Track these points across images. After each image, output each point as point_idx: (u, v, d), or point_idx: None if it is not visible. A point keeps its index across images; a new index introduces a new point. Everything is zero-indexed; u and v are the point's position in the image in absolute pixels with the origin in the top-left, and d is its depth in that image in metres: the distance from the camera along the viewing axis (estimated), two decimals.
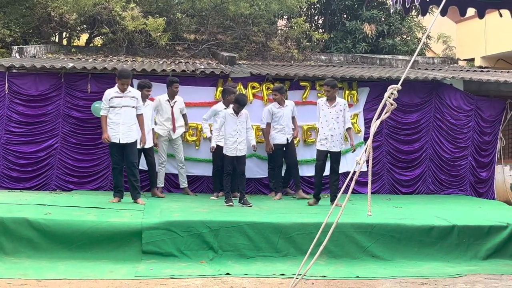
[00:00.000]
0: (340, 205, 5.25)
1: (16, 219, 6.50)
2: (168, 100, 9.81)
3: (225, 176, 8.95)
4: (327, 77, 10.93)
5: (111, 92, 8.42)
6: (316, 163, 9.13)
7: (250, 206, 8.51)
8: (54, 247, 6.39)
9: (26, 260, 6.21)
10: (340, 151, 9.02)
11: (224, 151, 8.88)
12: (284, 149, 10.01)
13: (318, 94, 10.67)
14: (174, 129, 9.84)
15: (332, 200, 8.94)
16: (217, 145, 9.17)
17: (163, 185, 10.09)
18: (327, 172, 9.17)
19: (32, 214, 6.69)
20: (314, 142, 10.37)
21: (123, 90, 8.39)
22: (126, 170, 8.58)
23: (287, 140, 9.94)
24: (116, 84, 8.48)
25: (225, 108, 9.32)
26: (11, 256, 6.29)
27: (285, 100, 10.04)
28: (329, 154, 8.97)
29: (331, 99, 8.91)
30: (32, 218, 6.52)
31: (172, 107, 9.82)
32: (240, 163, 8.89)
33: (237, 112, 8.75)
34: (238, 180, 8.99)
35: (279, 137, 9.94)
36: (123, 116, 8.34)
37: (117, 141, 8.34)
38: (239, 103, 8.73)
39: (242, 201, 8.71)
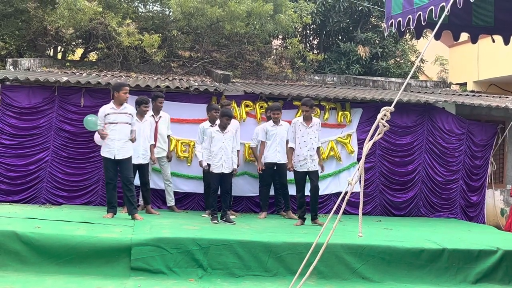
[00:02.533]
0: (321, 224, 5.23)
1: (5, 232, 6.42)
2: (152, 115, 9.75)
3: (211, 193, 8.93)
4: (320, 97, 11.01)
5: (107, 109, 8.40)
6: (298, 185, 9.03)
7: (233, 224, 8.51)
8: (42, 261, 6.31)
9: (13, 274, 6.12)
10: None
11: (211, 168, 8.85)
12: (275, 168, 9.99)
13: (312, 114, 10.65)
14: (154, 145, 9.70)
15: (313, 219, 8.94)
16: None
17: (173, 203, 10.12)
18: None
19: (21, 228, 6.62)
20: None
21: (122, 102, 8.36)
22: (122, 186, 8.52)
23: (278, 160, 9.87)
24: (112, 101, 8.46)
25: (210, 125, 9.32)
26: None
27: (281, 120, 10.02)
28: (307, 175, 8.94)
29: (308, 119, 8.90)
30: (21, 231, 6.45)
31: (156, 122, 9.78)
32: (225, 181, 8.86)
33: (224, 127, 8.74)
34: (222, 198, 8.95)
35: (270, 156, 9.90)
36: (118, 132, 8.32)
37: (112, 157, 8.31)
38: (228, 115, 8.78)
39: (224, 218, 8.72)
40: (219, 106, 9.92)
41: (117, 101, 8.39)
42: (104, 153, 8.38)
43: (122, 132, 8.36)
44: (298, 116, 10.10)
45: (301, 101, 9.26)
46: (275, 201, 10.51)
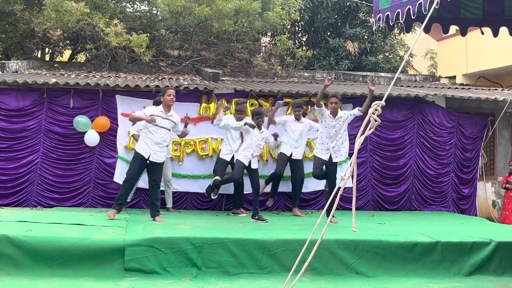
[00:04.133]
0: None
1: None
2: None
3: (239, 186, 9.58)
4: (310, 94, 11.01)
5: (156, 111, 8.38)
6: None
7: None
8: (35, 265, 6.27)
9: (6, 278, 6.08)
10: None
11: (238, 158, 8.96)
12: (290, 164, 9.94)
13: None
14: None
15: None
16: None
17: (171, 205, 10.07)
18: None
19: (13, 231, 6.57)
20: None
21: (169, 105, 8.37)
22: (149, 188, 8.55)
23: (291, 155, 9.86)
24: (161, 105, 8.43)
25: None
26: None
27: (302, 117, 10.02)
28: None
29: (335, 113, 8.90)
30: (13, 235, 6.41)
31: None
32: (255, 176, 9.03)
33: (259, 126, 8.99)
34: (253, 195, 9.07)
35: (285, 149, 9.87)
36: (159, 135, 8.30)
37: (146, 156, 8.25)
38: (260, 113, 9.06)
39: (256, 217, 8.81)
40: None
41: (165, 105, 8.37)
42: (140, 149, 8.30)
43: (162, 137, 8.35)
44: (289, 114, 10.20)
45: (332, 94, 9.16)
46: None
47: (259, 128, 9.01)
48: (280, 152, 9.94)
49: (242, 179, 9.31)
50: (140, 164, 8.34)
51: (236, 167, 9.07)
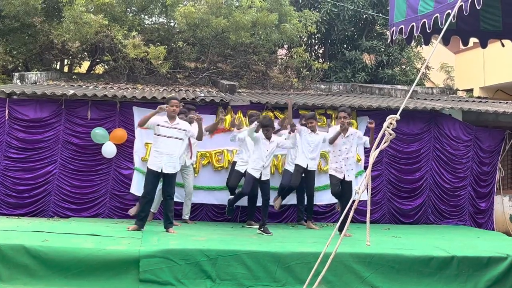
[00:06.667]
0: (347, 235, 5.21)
1: (13, 246, 6.45)
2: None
3: (250, 200, 9.50)
4: (326, 106, 11.01)
5: (160, 120, 8.30)
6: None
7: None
8: (50, 275, 6.32)
9: (22, 287, 6.16)
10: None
11: (249, 170, 8.93)
12: (304, 175, 9.86)
13: (318, 123, 10.63)
14: (191, 156, 9.80)
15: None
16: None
17: (188, 217, 10.10)
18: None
19: (29, 241, 6.64)
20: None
21: (172, 115, 8.30)
22: (163, 199, 8.63)
23: (307, 166, 9.79)
24: (166, 114, 8.37)
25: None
26: (7, 283, 6.23)
27: (317, 129, 9.97)
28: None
29: (344, 130, 8.79)
30: (29, 245, 6.47)
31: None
32: (265, 188, 8.95)
33: (268, 137, 8.86)
34: (262, 207, 9.01)
35: (300, 161, 9.76)
36: (169, 146, 8.27)
37: (159, 170, 8.24)
38: (269, 124, 8.90)
39: (262, 229, 8.76)
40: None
41: (168, 116, 8.34)
42: (151, 165, 8.30)
43: (172, 147, 8.30)
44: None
45: (341, 108, 9.16)
46: (297, 210, 10.47)
47: (268, 138, 8.87)
48: (296, 164, 9.89)
49: (256, 190, 9.27)
50: (153, 179, 8.33)
51: (246, 180, 9.05)
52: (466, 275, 6.96)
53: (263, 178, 8.86)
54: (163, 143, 8.27)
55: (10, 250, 6.40)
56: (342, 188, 8.82)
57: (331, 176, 8.93)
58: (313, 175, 9.95)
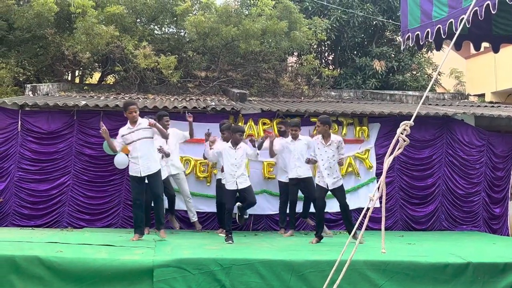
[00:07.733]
0: (356, 239, 5.17)
1: (27, 257, 6.46)
2: None
3: (226, 213, 8.69)
4: (337, 113, 11.00)
5: (124, 130, 8.39)
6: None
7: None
8: (64, 286, 6.32)
9: None
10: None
11: (225, 186, 8.79)
12: (302, 184, 9.73)
13: (330, 131, 10.55)
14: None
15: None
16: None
17: (196, 219, 10.16)
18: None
19: (43, 252, 6.65)
20: None
21: (134, 120, 8.31)
22: (153, 203, 8.65)
23: (299, 175, 9.67)
24: (128, 121, 8.45)
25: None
26: None
27: (299, 135, 9.82)
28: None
29: (326, 137, 8.66)
30: (43, 256, 6.49)
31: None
32: (248, 194, 8.79)
33: (236, 143, 8.68)
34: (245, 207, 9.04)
35: (291, 172, 9.68)
36: (140, 149, 8.27)
37: (139, 175, 8.28)
38: (241, 131, 8.85)
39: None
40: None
41: (130, 121, 8.37)
42: (131, 172, 8.37)
43: (144, 148, 8.30)
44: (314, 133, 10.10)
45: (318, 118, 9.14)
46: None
47: (235, 144, 8.65)
48: (290, 179, 9.74)
49: (254, 199, 8.97)
50: (137, 184, 8.35)
51: (225, 196, 8.87)
52: (482, 281, 6.88)
53: (240, 187, 8.66)
54: (134, 148, 8.28)
55: (24, 261, 6.41)
56: (334, 195, 8.78)
57: (315, 184, 8.89)
58: (309, 181, 9.61)
